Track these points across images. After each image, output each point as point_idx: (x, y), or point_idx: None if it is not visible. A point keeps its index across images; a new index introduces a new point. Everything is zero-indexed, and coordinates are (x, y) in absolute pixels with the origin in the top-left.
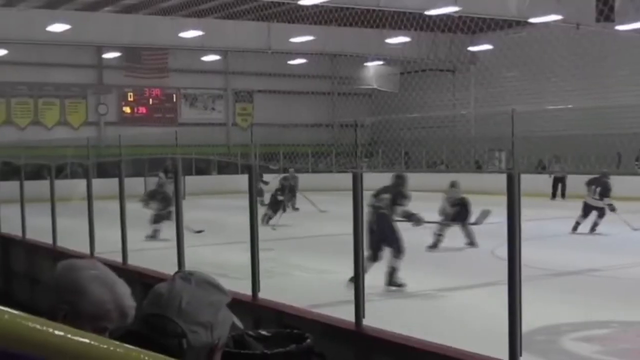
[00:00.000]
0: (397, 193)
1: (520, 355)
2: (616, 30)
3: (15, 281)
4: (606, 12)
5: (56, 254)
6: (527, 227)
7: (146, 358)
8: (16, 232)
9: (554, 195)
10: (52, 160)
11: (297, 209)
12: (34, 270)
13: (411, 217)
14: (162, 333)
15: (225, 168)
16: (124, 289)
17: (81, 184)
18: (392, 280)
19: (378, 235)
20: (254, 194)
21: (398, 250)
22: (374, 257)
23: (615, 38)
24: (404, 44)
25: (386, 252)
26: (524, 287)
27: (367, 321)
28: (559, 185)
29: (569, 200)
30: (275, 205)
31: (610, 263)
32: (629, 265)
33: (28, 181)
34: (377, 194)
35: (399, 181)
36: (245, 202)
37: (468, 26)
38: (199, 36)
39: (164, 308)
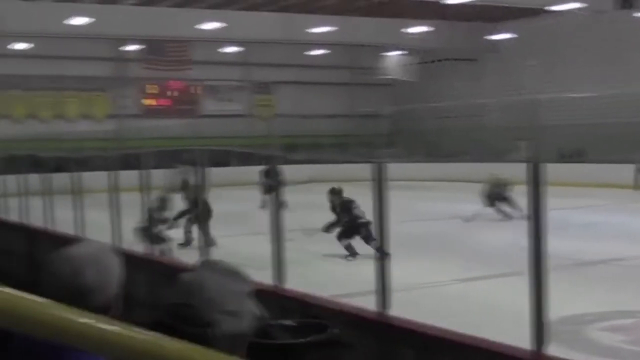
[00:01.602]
0: None
1: (546, 344)
2: (635, 16)
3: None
4: None
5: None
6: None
7: (179, 346)
8: (42, 224)
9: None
10: (75, 152)
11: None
12: None
13: None
14: (187, 322)
15: (246, 159)
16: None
17: (103, 176)
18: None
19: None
20: (274, 184)
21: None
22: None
23: (635, 24)
24: (424, 33)
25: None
26: (551, 277)
27: (392, 311)
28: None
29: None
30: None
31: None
32: None
33: (52, 174)
34: None
35: None
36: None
37: (489, 15)
38: (219, 28)
39: (190, 297)
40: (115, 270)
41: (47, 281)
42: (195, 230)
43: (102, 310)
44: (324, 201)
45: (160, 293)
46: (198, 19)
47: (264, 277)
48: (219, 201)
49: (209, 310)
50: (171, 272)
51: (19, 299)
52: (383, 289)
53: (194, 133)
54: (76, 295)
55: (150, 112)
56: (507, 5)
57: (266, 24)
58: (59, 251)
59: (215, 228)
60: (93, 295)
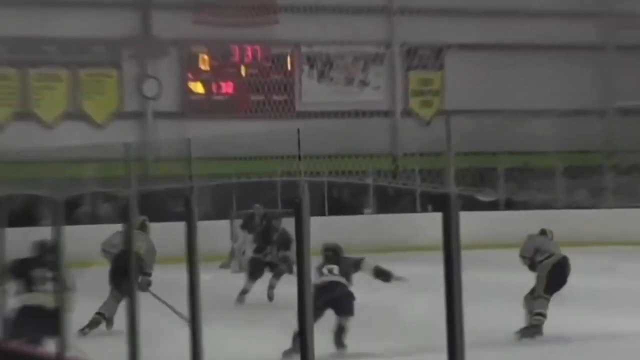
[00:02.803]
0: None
1: None
2: None
3: None
4: None
5: None
6: None
7: None
8: None
9: None
10: (57, 187)
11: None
12: None
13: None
14: None
15: (390, 200)
16: None
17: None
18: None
19: None
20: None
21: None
22: None
23: None
24: None
25: None
26: None
27: None
28: None
29: None
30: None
31: None
32: None
33: (12, 228)
34: None
35: None
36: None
37: None
38: None
39: None
40: None
41: None
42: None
43: None
44: None
45: None
46: None
47: None
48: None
49: None
50: None
51: None
52: None
53: (287, 147)
54: None
55: (201, 108)
56: None
57: None
58: None
59: None
60: None
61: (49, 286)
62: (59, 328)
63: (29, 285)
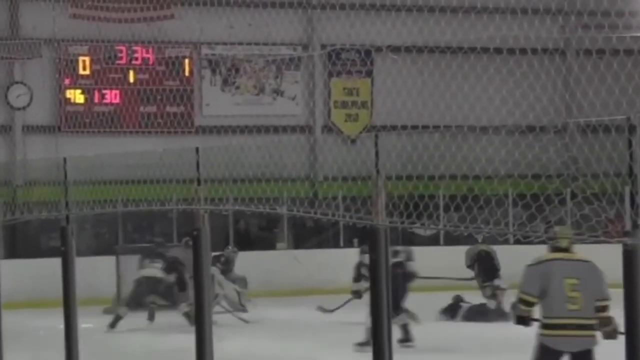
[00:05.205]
0: None
1: None
2: None
3: None
4: None
5: None
6: None
7: None
8: None
9: None
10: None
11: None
12: None
13: None
14: None
15: (308, 233)
16: None
17: None
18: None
19: None
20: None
21: None
22: None
23: None
24: None
25: None
26: None
27: None
28: None
29: None
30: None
31: None
32: None
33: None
34: None
35: None
36: None
37: None
38: None
39: None
40: None
41: None
42: None
43: None
44: None
45: None
46: None
47: None
48: None
49: None
50: None
51: None
52: None
53: (186, 170)
54: None
55: (81, 122)
56: None
57: None
58: None
59: None
60: None
61: None
62: None
63: None
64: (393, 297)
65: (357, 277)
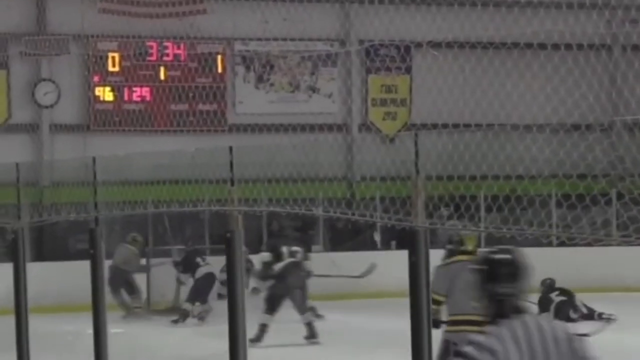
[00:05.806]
0: None
1: None
2: None
3: None
4: None
5: None
6: None
7: None
8: None
9: None
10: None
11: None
12: None
13: None
14: None
15: (344, 235)
16: None
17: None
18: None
19: None
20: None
21: None
22: None
23: None
24: None
25: None
26: None
27: None
28: None
29: None
30: None
31: None
32: None
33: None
34: None
35: None
36: None
37: None
38: None
39: None
40: None
41: None
42: None
43: None
44: None
45: None
46: None
47: None
48: None
49: None
50: None
51: None
52: None
53: (217, 170)
54: None
55: (109, 120)
56: None
57: None
58: None
59: None
60: None
61: None
62: None
63: None
64: (297, 296)
65: (264, 276)
